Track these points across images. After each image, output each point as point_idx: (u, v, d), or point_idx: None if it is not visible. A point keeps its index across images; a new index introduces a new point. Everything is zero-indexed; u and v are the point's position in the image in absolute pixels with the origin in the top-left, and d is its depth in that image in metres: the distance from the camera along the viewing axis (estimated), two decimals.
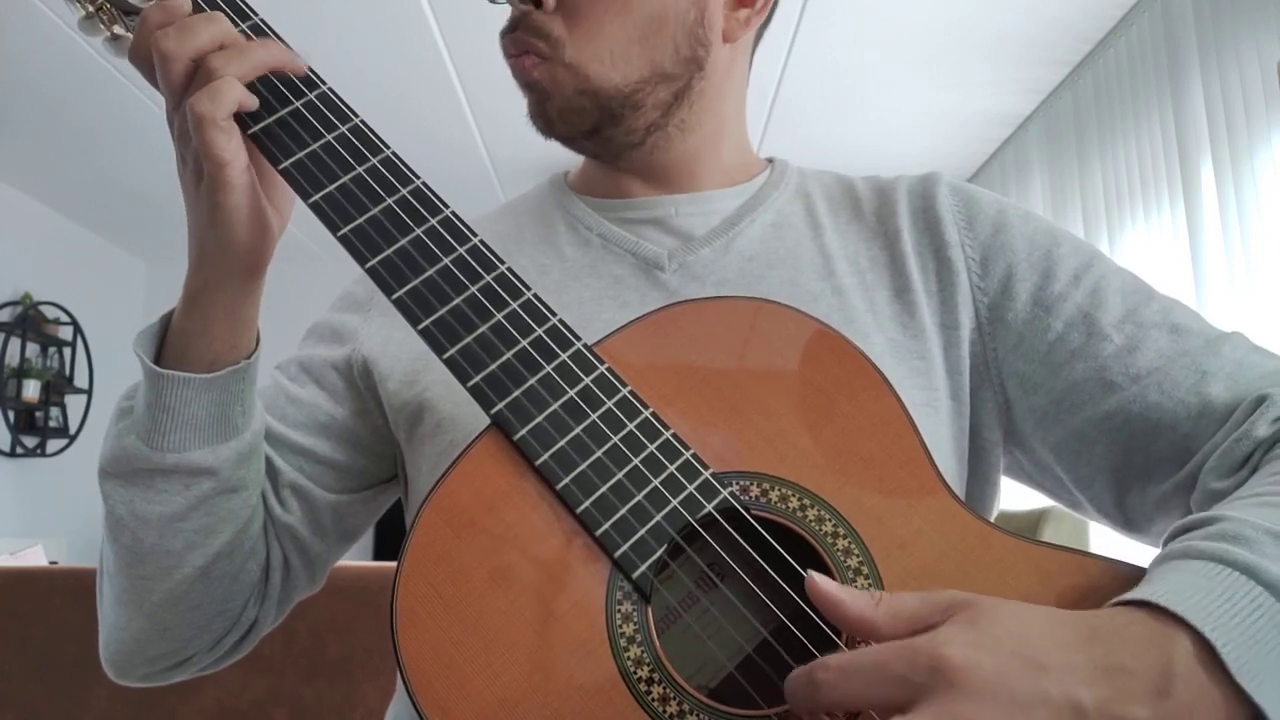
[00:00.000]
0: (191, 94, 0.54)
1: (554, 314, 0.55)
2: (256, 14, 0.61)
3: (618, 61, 0.68)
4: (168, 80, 0.55)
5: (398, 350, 0.73)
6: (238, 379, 0.62)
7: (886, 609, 0.42)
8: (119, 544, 0.63)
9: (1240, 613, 0.42)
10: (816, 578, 0.44)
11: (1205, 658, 0.40)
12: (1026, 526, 2.47)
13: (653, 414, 0.52)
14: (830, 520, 0.51)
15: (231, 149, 0.55)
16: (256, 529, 0.67)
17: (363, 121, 0.59)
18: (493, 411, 0.51)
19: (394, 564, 0.49)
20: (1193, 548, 0.46)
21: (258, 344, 0.64)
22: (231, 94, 0.54)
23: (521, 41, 0.68)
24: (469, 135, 3.67)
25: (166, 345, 0.62)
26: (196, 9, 0.58)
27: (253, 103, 0.56)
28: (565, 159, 0.82)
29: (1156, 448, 0.61)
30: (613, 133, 0.71)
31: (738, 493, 0.51)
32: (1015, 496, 2.41)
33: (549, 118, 0.70)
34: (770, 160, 0.81)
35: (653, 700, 0.46)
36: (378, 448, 0.75)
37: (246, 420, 0.63)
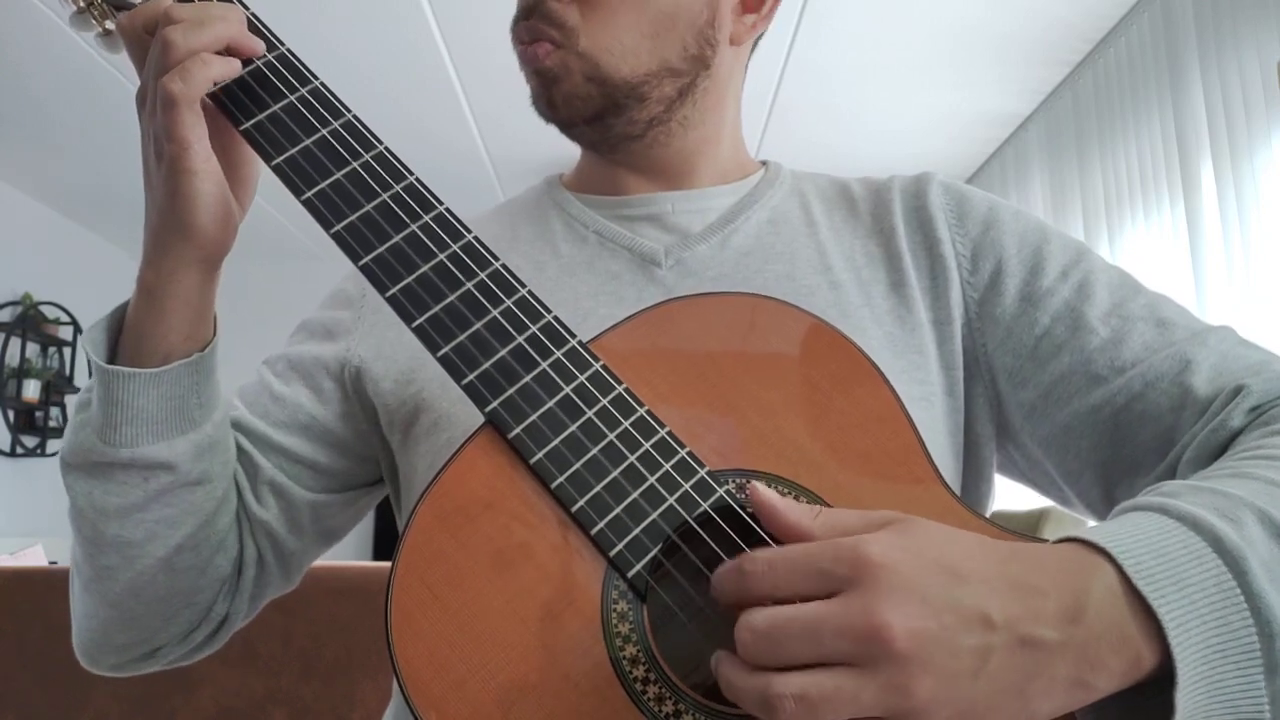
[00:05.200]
0: (160, 73, 0.54)
1: (548, 311, 0.55)
2: (247, 9, 0.60)
3: (628, 54, 0.68)
4: (158, 67, 0.55)
5: (392, 350, 0.72)
6: (190, 372, 0.61)
7: (824, 521, 0.44)
8: (81, 534, 0.63)
9: (1146, 536, 0.43)
10: (759, 487, 0.45)
11: (1122, 591, 0.41)
12: (1026, 526, 2.46)
13: (647, 411, 0.52)
14: None
15: (197, 132, 0.54)
16: (224, 523, 0.67)
17: (355, 117, 0.59)
18: (487, 410, 0.51)
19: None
20: (1122, 507, 0.47)
21: (214, 335, 0.63)
22: (203, 73, 0.54)
23: (536, 29, 0.69)
24: (469, 136, 3.67)
25: (122, 337, 0.61)
26: None
27: (233, 72, 0.56)
28: (566, 160, 0.82)
29: (1141, 439, 0.62)
30: (614, 121, 0.71)
31: (734, 490, 0.51)
32: (1015, 496, 2.41)
33: (553, 102, 0.70)
34: (764, 162, 0.81)
35: (648, 699, 0.46)
36: (360, 451, 0.74)
37: (205, 413, 0.62)
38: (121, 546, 0.62)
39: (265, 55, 0.59)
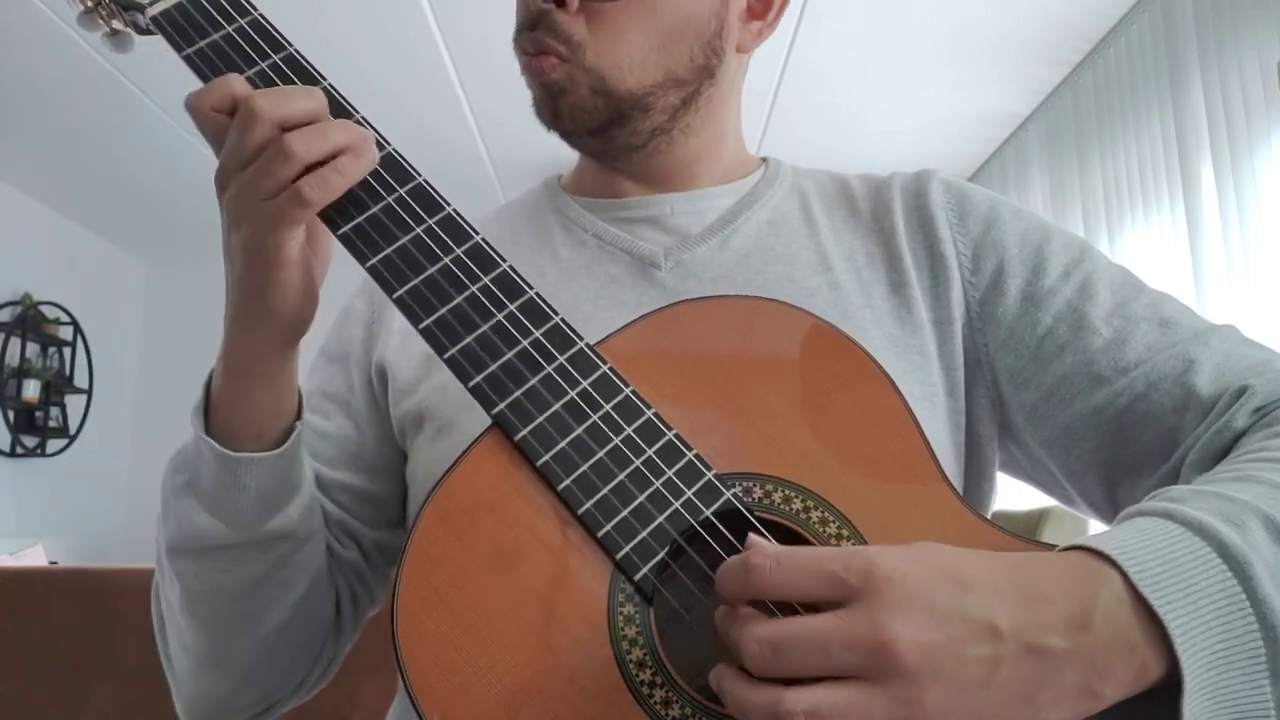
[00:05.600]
0: (290, 175, 0.51)
1: (555, 313, 0.55)
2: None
3: (635, 67, 0.67)
4: (245, 140, 0.52)
5: (396, 357, 0.73)
6: (297, 442, 0.61)
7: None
8: (199, 617, 0.63)
9: (1152, 542, 0.42)
10: (753, 539, 0.44)
11: (1129, 598, 0.41)
12: (1027, 527, 2.46)
13: (655, 414, 0.52)
14: (834, 522, 0.51)
15: (301, 230, 0.54)
16: (325, 570, 0.68)
17: (363, 119, 0.58)
18: (494, 412, 0.51)
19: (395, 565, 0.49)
20: (1127, 513, 0.47)
21: (301, 401, 0.63)
22: (340, 183, 0.52)
23: (541, 42, 0.67)
24: (469, 136, 3.67)
25: (211, 414, 0.60)
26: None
27: (368, 168, 0.54)
28: (566, 161, 0.82)
29: (1144, 440, 0.61)
30: (618, 133, 0.71)
31: (740, 494, 0.51)
32: (1016, 496, 2.41)
33: (558, 113, 0.69)
34: (764, 160, 0.81)
35: (655, 703, 0.46)
36: (406, 470, 0.75)
37: (302, 473, 0.63)
38: (244, 618, 0.62)
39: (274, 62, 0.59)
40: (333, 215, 0.55)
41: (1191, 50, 2.52)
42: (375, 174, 0.56)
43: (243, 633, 0.63)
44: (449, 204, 0.57)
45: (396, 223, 0.56)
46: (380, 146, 0.57)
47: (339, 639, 0.71)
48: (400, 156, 0.58)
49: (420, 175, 0.57)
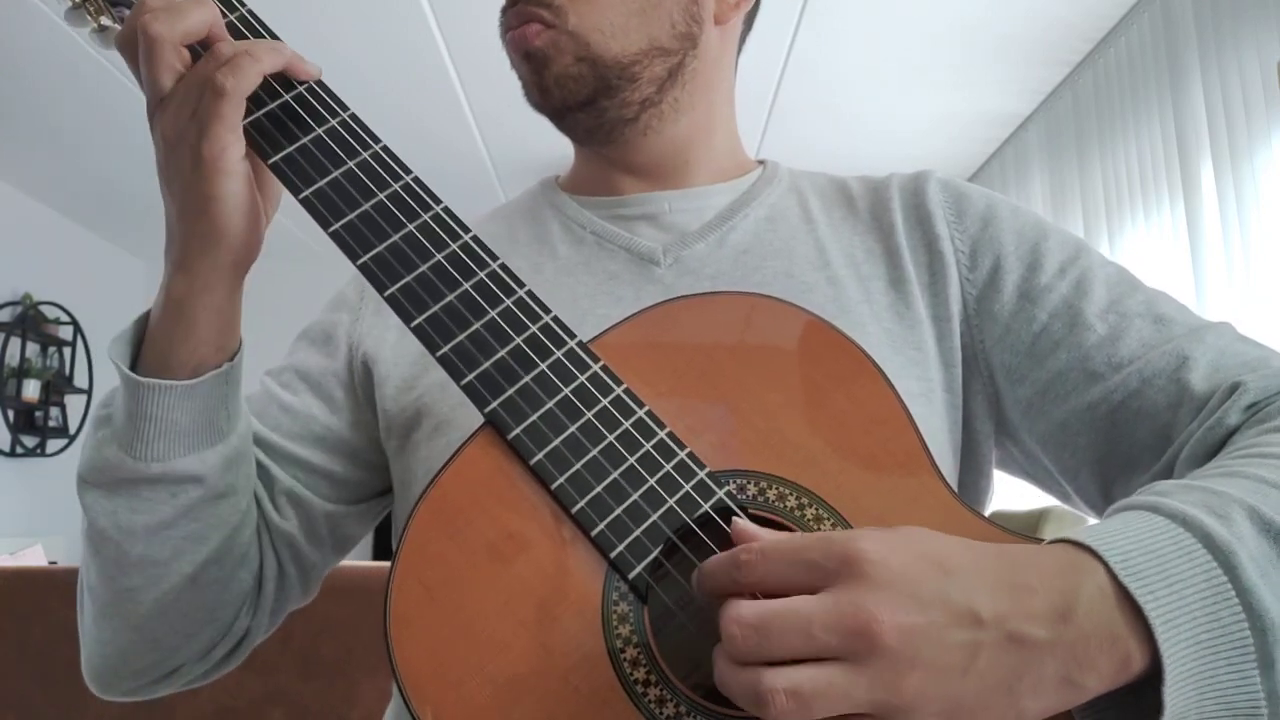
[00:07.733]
0: (209, 73, 0.52)
1: (548, 310, 0.55)
2: (245, 6, 0.60)
3: (617, 32, 0.69)
4: (151, 65, 0.53)
5: (391, 354, 0.72)
6: (221, 383, 0.60)
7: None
8: (102, 556, 0.61)
9: (1136, 534, 0.42)
10: (738, 521, 0.45)
11: (1112, 590, 0.40)
12: (1027, 526, 2.46)
13: (648, 412, 0.52)
14: (829, 519, 0.51)
15: (236, 133, 0.54)
16: (247, 536, 0.66)
17: (353, 115, 0.58)
18: (486, 410, 0.51)
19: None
20: (1114, 507, 0.47)
21: (240, 344, 0.62)
22: (255, 68, 0.53)
23: (525, 13, 0.69)
24: (469, 136, 3.66)
25: (146, 348, 0.59)
26: None
27: (283, 61, 0.56)
28: (567, 161, 0.82)
29: (1138, 436, 0.61)
30: (607, 104, 0.71)
31: (734, 491, 0.51)
32: (1015, 496, 2.41)
33: (545, 86, 0.70)
34: (762, 162, 0.81)
35: (649, 701, 0.46)
36: (374, 459, 0.74)
37: (232, 423, 0.62)
38: (147, 566, 0.61)
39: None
40: (323, 212, 0.55)
41: (1191, 50, 2.52)
42: (368, 170, 0.56)
43: (145, 581, 0.61)
44: (440, 201, 0.57)
45: (388, 219, 0.55)
46: (369, 144, 0.58)
47: (254, 615, 0.69)
48: (392, 153, 0.58)
49: (411, 172, 0.57)
